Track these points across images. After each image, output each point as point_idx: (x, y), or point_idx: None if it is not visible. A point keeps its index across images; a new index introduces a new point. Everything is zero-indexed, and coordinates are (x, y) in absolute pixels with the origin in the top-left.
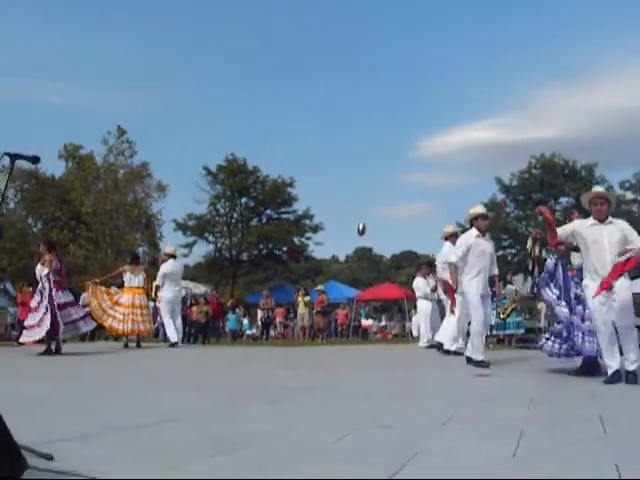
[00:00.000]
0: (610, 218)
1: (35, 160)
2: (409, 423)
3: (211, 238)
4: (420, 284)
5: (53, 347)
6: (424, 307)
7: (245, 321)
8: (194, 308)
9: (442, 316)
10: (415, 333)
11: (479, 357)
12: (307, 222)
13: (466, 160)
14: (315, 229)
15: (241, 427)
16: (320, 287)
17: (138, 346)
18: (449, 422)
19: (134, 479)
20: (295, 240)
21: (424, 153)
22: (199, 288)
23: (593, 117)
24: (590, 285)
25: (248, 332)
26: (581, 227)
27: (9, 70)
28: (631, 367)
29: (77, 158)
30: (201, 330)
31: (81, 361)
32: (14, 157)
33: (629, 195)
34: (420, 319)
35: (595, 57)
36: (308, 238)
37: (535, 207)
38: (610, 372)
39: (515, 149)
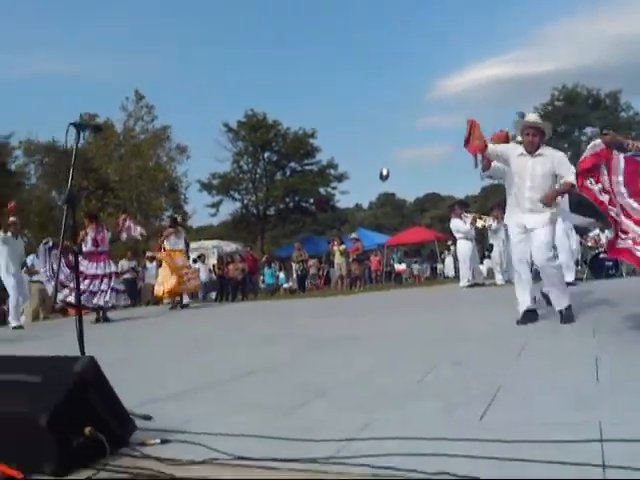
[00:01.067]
0: (542, 149)
1: (97, 129)
2: (482, 359)
3: (237, 195)
4: (458, 225)
5: (100, 315)
6: (464, 247)
7: (281, 275)
8: (230, 266)
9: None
10: (450, 274)
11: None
12: (331, 172)
13: (486, 97)
14: (340, 178)
15: (323, 376)
16: (354, 235)
17: (182, 306)
18: (522, 354)
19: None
20: (321, 191)
21: (441, 93)
22: (230, 246)
23: (616, 44)
24: (509, 222)
25: (285, 286)
26: (510, 153)
27: (23, 44)
28: (559, 307)
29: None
30: (238, 286)
31: (138, 325)
32: (79, 127)
33: None
34: (460, 259)
35: None
36: (334, 188)
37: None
38: (520, 311)
39: (536, 82)
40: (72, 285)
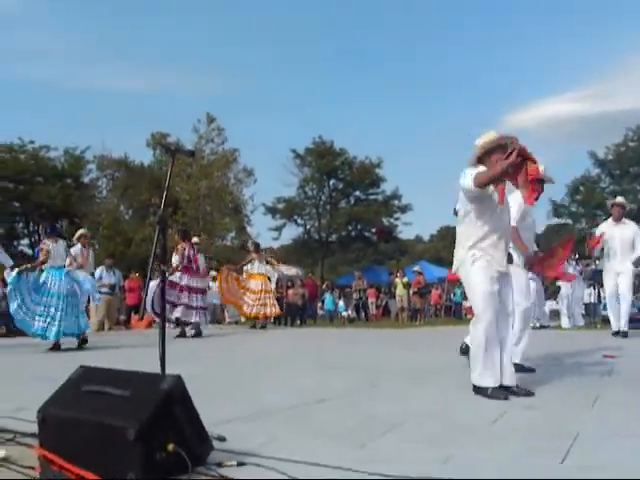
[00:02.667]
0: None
1: (191, 154)
2: (556, 404)
3: (300, 220)
4: None
5: (189, 332)
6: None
7: (341, 303)
8: (290, 291)
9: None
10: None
11: None
12: (395, 202)
13: (554, 135)
14: (403, 209)
15: (393, 407)
16: (417, 268)
17: (263, 327)
18: (597, 403)
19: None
20: (384, 221)
21: (507, 128)
22: (290, 270)
23: None
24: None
25: (344, 313)
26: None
27: (93, 59)
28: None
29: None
30: (298, 312)
31: (213, 343)
32: (174, 152)
33: None
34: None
35: None
36: (396, 218)
37: (633, 182)
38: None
39: (606, 121)
40: (185, 301)
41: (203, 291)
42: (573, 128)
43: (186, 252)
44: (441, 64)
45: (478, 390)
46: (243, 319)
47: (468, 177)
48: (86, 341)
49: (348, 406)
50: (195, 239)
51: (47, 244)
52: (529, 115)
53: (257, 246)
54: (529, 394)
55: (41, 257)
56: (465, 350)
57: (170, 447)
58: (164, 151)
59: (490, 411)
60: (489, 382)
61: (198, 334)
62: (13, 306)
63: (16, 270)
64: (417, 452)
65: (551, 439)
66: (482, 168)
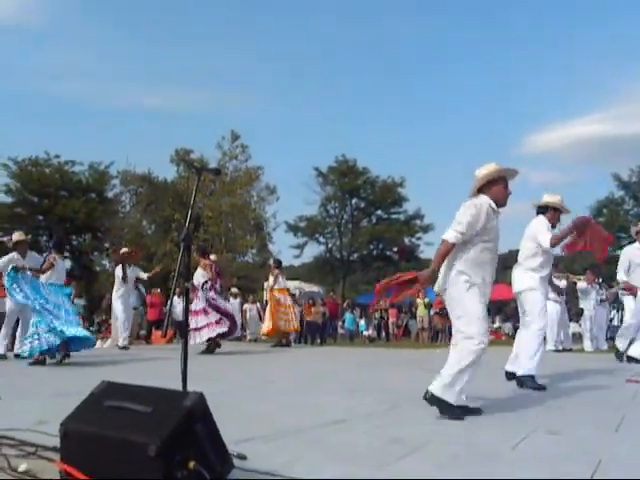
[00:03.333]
0: None
1: (217, 172)
2: (579, 429)
3: (322, 239)
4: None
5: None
6: (553, 309)
7: (362, 322)
8: (311, 309)
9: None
10: None
11: None
12: (417, 222)
13: (577, 156)
14: (425, 229)
15: (413, 430)
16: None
17: (287, 345)
18: (621, 427)
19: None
20: (406, 240)
21: (530, 149)
22: (311, 288)
23: None
24: None
25: (365, 333)
26: None
27: (120, 75)
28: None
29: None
30: (318, 330)
31: (234, 361)
32: (200, 170)
33: None
34: (548, 322)
35: None
36: (418, 238)
37: None
38: None
39: (632, 143)
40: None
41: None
42: (596, 149)
43: (213, 269)
44: (464, 83)
45: (447, 407)
46: (264, 337)
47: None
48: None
49: (369, 428)
50: (212, 257)
51: (55, 257)
52: (552, 137)
53: (280, 263)
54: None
55: (45, 266)
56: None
57: (191, 465)
58: (190, 169)
59: (512, 435)
60: (462, 401)
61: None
62: (18, 297)
63: (11, 266)
64: (438, 476)
65: (574, 465)
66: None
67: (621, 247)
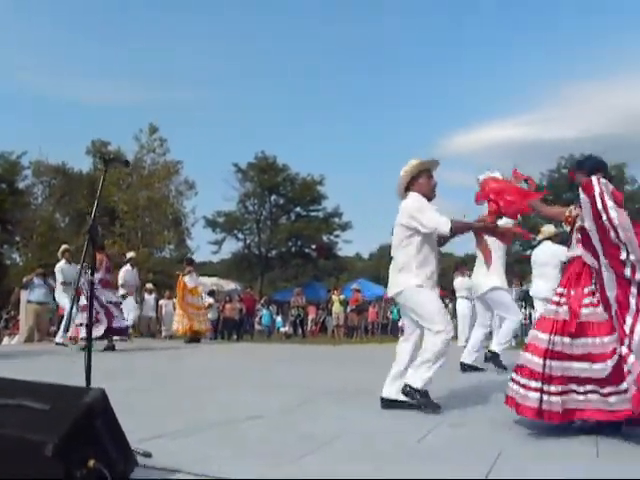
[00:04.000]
0: None
1: (126, 164)
2: (481, 423)
3: (240, 235)
4: (463, 283)
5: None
6: (464, 306)
7: (279, 318)
8: (228, 305)
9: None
10: None
11: None
12: (336, 220)
13: (489, 159)
14: (344, 227)
15: (325, 426)
16: (355, 286)
17: (197, 341)
18: (518, 422)
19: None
20: (324, 238)
21: (446, 151)
22: (229, 285)
23: (624, 115)
24: None
25: (282, 329)
26: None
27: (39, 67)
28: None
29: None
30: (235, 327)
31: (148, 357)
32: (108, 161)
33: None
34: (459, 318)
35: (624, 54)
36: (337, 236)
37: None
38: None
39: (544, 148)
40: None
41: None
42: (510, 153)
43: (104, 264)
44: (386, 83)
45: (420, 394)
46: (179, 333)
47: (443, 223)
48: None
49: (281, 424)
50: (131, 253)
51: None
52: (469, 139)
53: (191, 260)
54: None
55: None
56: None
57: (91, 463)
58: (99, 159)
59: (420, 428)
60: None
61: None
62: None
63: None
64: (345, 471)
65: (474, 458)
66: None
67: (532, 247)
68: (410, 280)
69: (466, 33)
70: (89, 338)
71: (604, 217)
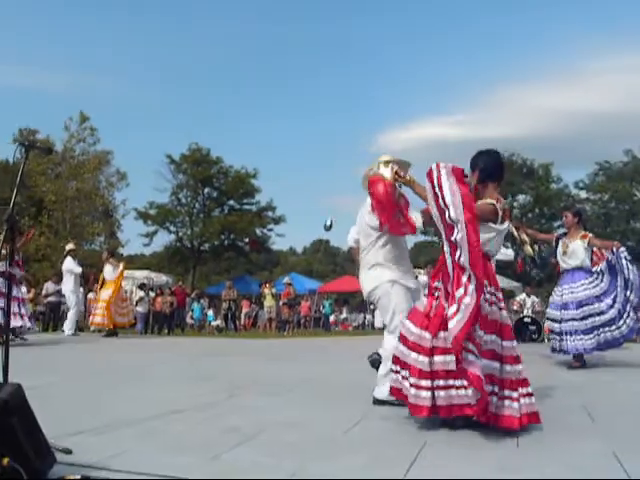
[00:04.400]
0: None
1: (49, 151)
2: (406, 415)
3: (172, 228)
4: None
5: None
6: None
7: (210, 312)
8: (158, 299)
9: None
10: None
11: None
12: (269, 214)
13: (423, 156)
14: (277, 221)
15: (251, 419)
16: (287, 280)
17: (109, 335)
18: None
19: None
20: (257, 231)
21: (382, 147)
22: (161, 278)
23: (551, 117)
24: None
25: (213, 323)
26: None
27: None
28: None
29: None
30: (166, 320)
31: (73, 352)
32: (28, 147)
33: (583, 194)
34: None
35: (555, 59)
36: (270, 230)
37: None
38: None
39: (474, 147)
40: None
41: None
42: (449, 150)
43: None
44: (321, 81)
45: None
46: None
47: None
48: None
49: (205, 418)
50: (70, 245)
51: None
52: (405, 136)
53: (113, 253)
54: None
55: None
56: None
57: (5, 461)
58: (19, 146)
59: (347, 421)
60: None
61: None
62: None
63: None
64: (269, 464)
65: (399, 448)
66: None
67: None
68: (384, 275)
69: (407, 32)
70: (6, 331)
71: (440, 200)
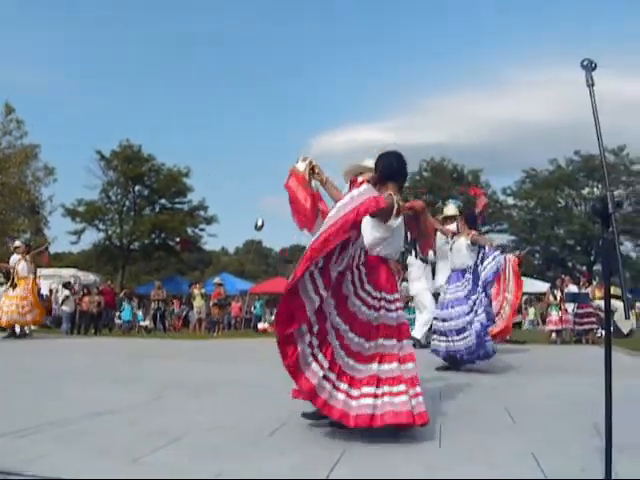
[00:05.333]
0: None
1: None
2: None
3: (101, 226)
4: None
5: None
6: None
7: (140, 313)
8: (85, 298)
9: None
10: None
11: None
12: (201, 213)
13: (353, 158)
14: (209, 221)
15: (176, 421)
16: (217, 280)
17: (18, 336)
18: None
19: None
20: (188, 231)
21: (317, 150)
22: (88, 277)
23: (484, 125)
24: None
25: (142, 323)
26: None
27: None
28: None
29: None
30: (93, 321)
31: None
32: None
33: (510, 201)
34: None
35: (488, 69)
36: (202, 229)
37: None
38: None
39: (409, 152)
40: None
41: None
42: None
43: None
44: (255, 83)
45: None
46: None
47: None
48: None
49: (130, 420)
50: (18, 242)
51: None
52: (337, 140)
53: (28, 247)
54: None
55: None
56: None
57: None
58: None
59: (274, 422)
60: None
61: None
62: None
63: None
64: (192, 467)
65: (321, 450)
66: None
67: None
68: None
69: (341, 37)
70: None
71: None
